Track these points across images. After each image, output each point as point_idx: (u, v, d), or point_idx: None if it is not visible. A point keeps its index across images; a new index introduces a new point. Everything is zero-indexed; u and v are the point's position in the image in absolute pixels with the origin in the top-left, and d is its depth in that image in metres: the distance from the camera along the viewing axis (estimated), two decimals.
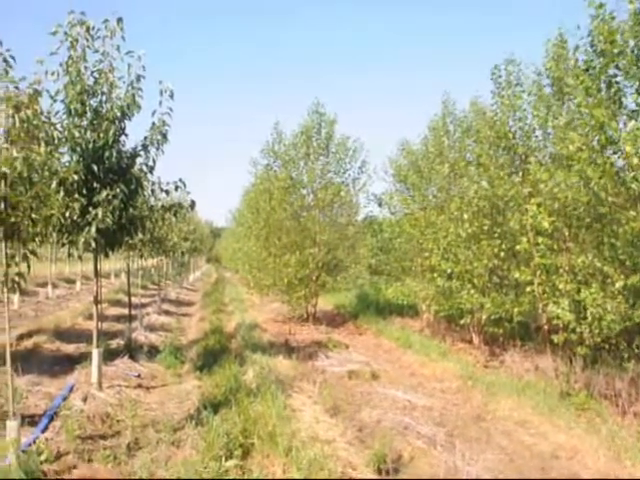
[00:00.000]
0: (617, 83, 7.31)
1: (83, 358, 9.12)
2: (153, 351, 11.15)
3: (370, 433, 6.86)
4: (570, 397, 8.25)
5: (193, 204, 8.80)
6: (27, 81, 5.34)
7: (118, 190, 7.16)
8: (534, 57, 10.19)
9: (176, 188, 8.13)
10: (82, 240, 7.12)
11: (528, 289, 9.45)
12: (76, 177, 6.73)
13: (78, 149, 7.19)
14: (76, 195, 6.99)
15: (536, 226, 8.92)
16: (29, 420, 6.34)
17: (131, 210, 7.73)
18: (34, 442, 5.65)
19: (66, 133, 7.10)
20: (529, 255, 9.49)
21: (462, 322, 11.96)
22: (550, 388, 8.72)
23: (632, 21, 7.01)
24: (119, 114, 7.38)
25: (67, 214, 6.85)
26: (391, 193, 16.44)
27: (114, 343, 11.36)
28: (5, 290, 5.24)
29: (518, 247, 9.48)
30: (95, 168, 7.19)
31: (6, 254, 5.14)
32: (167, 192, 8.29)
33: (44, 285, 20.77)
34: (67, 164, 7.12)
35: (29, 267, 5.48)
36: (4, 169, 4.90)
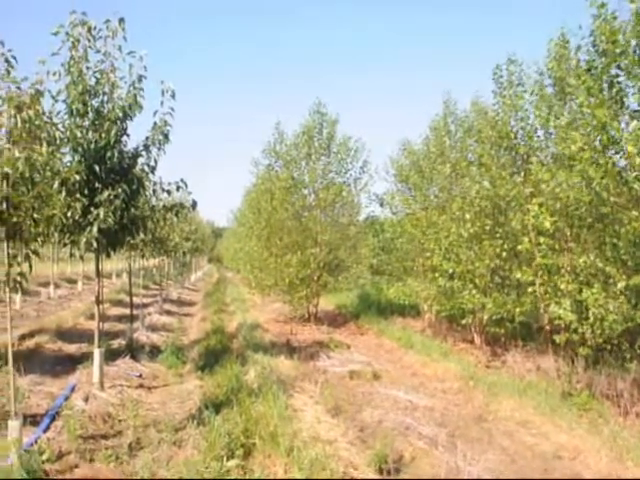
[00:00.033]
0: (619, 83, 7.30)
1: (85, 358, 9.13)
2: (155, 351, 11.16)
3: (371, 433, 6.85)
4: (572, 397, 8.24)
5: (195, 204, 8.81)
6: (29, 81, 5.35)
7: (120, 190, 7.17)
8: (535, 57, 10.15)
9: (177, 188, 8.13)
10: (84, 240, 7.13)
11: (530, 289, 9.45)
12: (78, 177, 6.73)
13: (80, 149, 7.19)
14: (78, 195, 7.00)
15: (538, 226, 8.91)
16: (31, 420, 6.34)
17: (133, 210, 7.74)
18: (36, 442, 5.66)
19: (68, 133, 7.11)
20: (531, 255, 9.48)
21: (464, 322, 11.95)
22: (552, 388, 8.71)
23: (634, 21, 7.00)
24: (121, 114, 7.38)
25: (69, 214, 6.86)
26: (392, 193, 16.43)
27: (116, 343, 11.37)
28: (7, 290, 5.25)
29: (520, 247, 9.47)
30: (97, 168, 7.20)
31: (8, 254, 5.14)
32: (169, 192, 8.29)
33: (46, 285, 20.79)
34: (69, 164, 7.12)
35: (31, 267, 5.48)
36: (6, 169, 4.91)
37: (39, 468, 5.05)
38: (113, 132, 7.25)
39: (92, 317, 12.81)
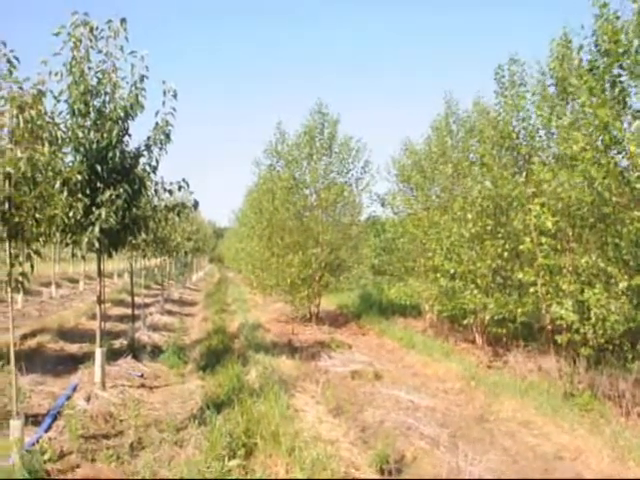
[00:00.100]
0: (621, 83, 7.28)
1: (86, 358, 9.13)
2: (156, 351, 11.18)
3: (373, 433, 6.85)
4: (574, 398, 8.23)
5: (196, 204, 8.81)
6: (31, 81, 5.35)
7: (121, 190, 7.17)
8: (538, 57, 10.11)
9: (179, 188, 8.13)
10: (85, 240, 7.13)
11: (531, 289, 9.44)
12: (80, 177, 6.74)
13: (82, 149, 7.20)
14: (80, 195, 7.01)
15: (539, 226, 8.90)
16: (32, 419, 6.35)
17: (134, 210, 7.73)
18: (37, 441, 5.66)
19: (70, 133, 7.11)
20: (532, 255, 9.46)
21: (465, 322, 11.94)
22: (554, 389, 8.70)
23: (636, 20, 7.00)
24: (122, 114, 7.38)
25: (71, 214, 6.86)
26: (394, 193, 16.42)
27: (117, 343, 11.38)
28: (9, 290, 5.26)
29: (521, 247, 9.46)
30: (99, 168, 7.21)
31: (10, 254, 5.15)
32: (170, 192, 8.29)
33: (48, 285, 20.83)
34: (71, 164, 7.13)
35: (33, 267, 5.49)
36: (8, 169, 4.92)
37: (41, 468, 5.05)
38: (115, 132, 7.26)
39: (94, 317, 12.86)
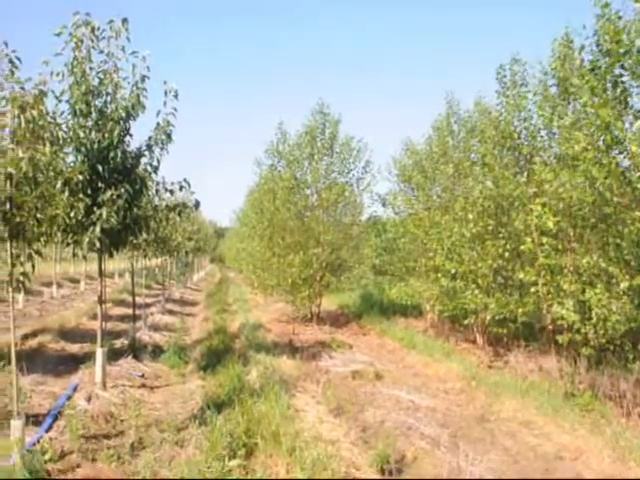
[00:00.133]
0: (623, 83, 7.28)
1: (87, 358, 9.14)
2: (157, 351, 11.19)
3: (374, 433, 6.85)
4: (574, 398, 8.22)
5: (198, 204, 8.80)
6: (32, 82, 5.35)
7: (123, 190, 7.18)
8: (539, 57, 10.10)
9: (180, 188, 8.14)
10: (87, 240, 7.14)
11: (532, 289, 9.43)
12: (81, 177, 6.76)
13: (83, 149, 7.21)
14: (81, 195, 7.02)
15: (541, 226, 8.89)
16: (33, 419, 6.36)
17: (135, 210, 7.74)
18: (38, 441, 5.67)
19: (71, 133, 7.12)
20: (534, 255, 9.46)
21: (466, 322, 11.93)
22: (554, 389, 8.69)
23: (638, 20, 6.98)
24: (124, 114, 7.39)
25: (72, 214, 6.86)
26: (395, 193, 16.41)
27: (118, 343, 11.39)
28: (10, 290, 5.27)
29: (523, 247, 9.45)
30: (100, 168, 7.21)
31: (11, 254, 5.16)
32: (171, 192, 8.29)
33: (49, 285, 20.85)
34: (72, 164, 7.14)
35: (34, 267, 5.50)
36: (10, 169, 4.92)
37: (41, 468, 5.06)
38: (116, 132, 7.26)
39: (95, 317, 12.87)
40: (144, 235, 10.05)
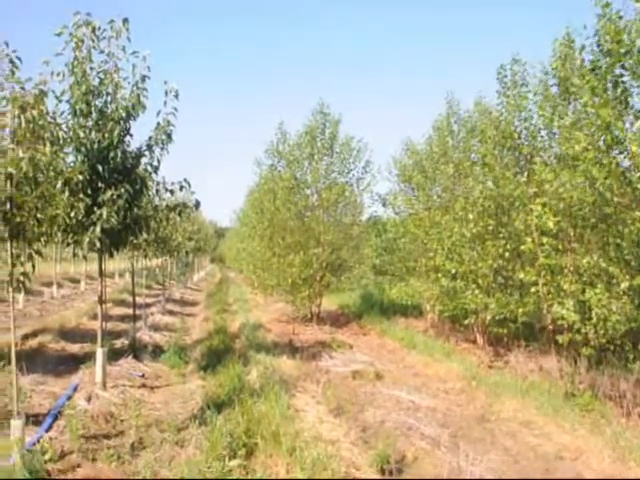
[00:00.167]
0: (623, 83, 7.28)
1: (87, 358, 9.14)
2: (157, 351, 11.19)
3: (374, 433, 6.85)
4: (575, 398, 8.22)
5: (198, 204, 8.80)
6: (33, 82, 5.36)
7: (123, 190, 7.18)
8: (540, 57, 10.13)
9: (181, 188, 8.14)
10: (87, 240, 7.14)
11: (533, 289, 9.43)
12: (81, 177, 6.76)
13: (83, 149, 7.21)
14: (81, 195, 7.02)
15: (541, 226, 8.89)
16: (33, 419, 6.36)
17: (136, 210, 7.74)
18: (38, 441, 5.67)
19: (71, 133, 7.12)
20: (534, 255, 9.46)
21: (466, 322, 11.93)
22: (554, 389, 8.69)
23: (639, 20, 6.98)
24: (124, 114, 7.39)
25: (72, 214, 6.86)
26: (395, 193, 16.41)
27: (118, 343, 11.39)
28: (10, 290, 5.27)
29: (523, 247, 9.45)
30: (100, 168, 7.21)
31: (11, 254, 5.16)
32: (172, 192, 8.30)
33: (49, 285, 20.85)
34: (72, 164, 7.14)
35: (34, 267, 5.50)
36: (10, 169, 4.93)
37: (41, 468, 5.06)
38: (116, 132, 7.27)
39: (95, 317, 12.87)
40: (144, 235, 10.05)
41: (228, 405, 7.07)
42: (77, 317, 14.72)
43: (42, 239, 5.73)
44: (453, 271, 11.53)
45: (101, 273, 8.15)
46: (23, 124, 5.04)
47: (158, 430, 6.45)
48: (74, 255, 8.21)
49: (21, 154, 4.98)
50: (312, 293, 16.50)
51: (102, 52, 7.35)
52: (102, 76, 7.39)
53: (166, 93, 7.61)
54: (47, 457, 5.31)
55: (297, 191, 16.88)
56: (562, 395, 8.39)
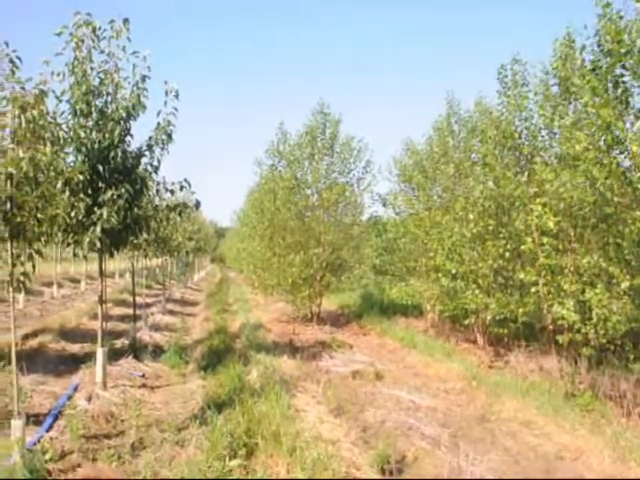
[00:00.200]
0: (624, 83, 7.28)
1: (88, 358, 9.14)
2: (158, 351, 11.19)
3: (374, 433, 6.85)
4: (575, 398, 8.22)
5: (198, 204, 8.79)
6: (33, 82, 5.35)
7: (123, 190, 7.18)
8: (539, 57, 10.13)
9: (181, 188, 8.14)
10: (87, 240, 7.14)
11: (533, 289, 9.43)
12: (81, 177, 6.75)
13: (83, 149, 7.21)
14: (81, 195, 7.02)
15: (541, 226, 8.89)
16: (34, 419, 6.36)
17: (136, 210, 7.74)
18: (39, 441, 5.67)
19: (72, 133, 7.12)
20: (534, 255, 9.45)
21: (466, 322, 11.93)
22: (555, 389, 8.69)
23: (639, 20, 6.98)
24: (124, 114, 7.39)
25: (72, 214, 6.87)
26: (396, 193, 16.42)
27: (119, 343, 11.39)
28: (10, 289, 5.27)
29: (523, 247, 9.45)
30: (100, 168, 7.21)
31: (12, 254, 5.16)
32: (172, 192, 8.29)
33: (49, 285, 20.86)
34: (72, 164, 7.14)
35: (34, 267, 5.50)
36: (10, 169, 4.93)
37: (42, 467, 5.06)
38: (117, 132, 7.27)
39: (95, 317, 12.87)
40: (144, 235, 10.04)
41: (228, 405, 7.07)
42: (77, 317, 14.72)
43: (42, 239, 5.72)
44: (453, 271, 11.53)
45: (101, 273, 8.15)
46: (23, 124, 5.04)
47: (158, 430, 6.45)
48: (74, 255, 8.21)
49: (21, 154, 4.98)
50: (312, 293, 16.50)
51: (102, 52, 7.35)
52: (102, 76, 7.40)
53: (166, 93, 7.61)
54: (47, 457, 5.31)
55: (297, 191, 16.87)
56: (562, 395, 8.39)
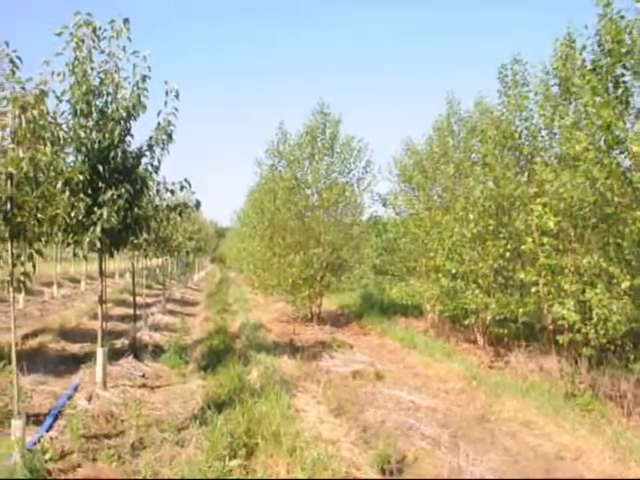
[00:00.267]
0: (624, 83, 7.28)
1: (88, 358, 9.14)
2: (158, 351, 11.19)
3: (374, 433, 6.85)
4: (575, 398, 8.22)
5: (198, 204, 8.79)
6: (33, 82, 5.35)
7: (123, 190, 7.18)
8: (539, 57, 10.13)
9: (181, 188, 8.13)
10: (87, 240, 7.14)
11: (533, 289, 9.43)
12: (81, 177, 6.75)
13: (84, 149, 7.21)
14: (81, 195, 7.02)
15: (541, 226, 8.89)
16: (34, 419, 6.36)
17: (136, 210, 7.74)
18: (39, 441, 5.67)
19: (72, 133, 7.12)
20: (534, 255, 9.46)
21: (467, 322, 11.93)
22: (555, 389, 8.69)
23: None
24: (124, 114, 7.39)
25: (72, 214, 6.86)
26: (396, 193, 16.42)
27: (119, 343, 11.39)
28: (11, 290, 5.27)
29: (523, 247, 9.46)
30: (100, 168, 7.21)
31: (12, 254, 5.16)
32: (172, 192, 8.29)
33: (49, 285, 20.85)
34: (73, 164, 7.14)
35: (34, 267, 5.49)
36: (10, 169, 4.92)
37: (42, 467, 5.05)
38: (117, 132, 7.27)
39: (95, 317, 12.87)
40: (145, 235, 10.04)
41: (228, 405, 7.07)
42: (77, 317, 14.72)
43: (42, 239, 5.72)
44: (453, 271, 11.54)
45: (101, 273, 8.15)
46: (24, 124, 5.03)
47: (158, 430, 6.45)
48: (74, 255, 8.21)
49: (21, 154, 4.98)
50: (312, 293, 16.50)
51: (103, 52, 7.35)
52: (103, 76, 7.39)
53: (166, 93, 7.61)
54: (48, 457, 5.30)
55: (297, 191, 16.87)
56: (562, 395, 8.39)
